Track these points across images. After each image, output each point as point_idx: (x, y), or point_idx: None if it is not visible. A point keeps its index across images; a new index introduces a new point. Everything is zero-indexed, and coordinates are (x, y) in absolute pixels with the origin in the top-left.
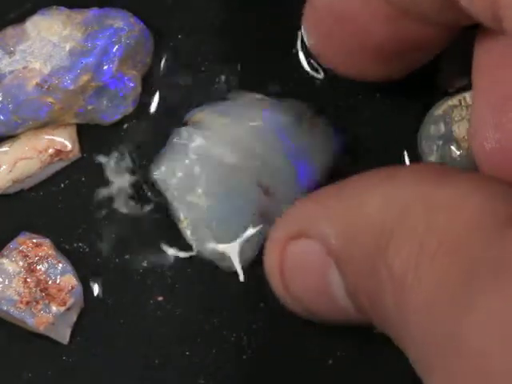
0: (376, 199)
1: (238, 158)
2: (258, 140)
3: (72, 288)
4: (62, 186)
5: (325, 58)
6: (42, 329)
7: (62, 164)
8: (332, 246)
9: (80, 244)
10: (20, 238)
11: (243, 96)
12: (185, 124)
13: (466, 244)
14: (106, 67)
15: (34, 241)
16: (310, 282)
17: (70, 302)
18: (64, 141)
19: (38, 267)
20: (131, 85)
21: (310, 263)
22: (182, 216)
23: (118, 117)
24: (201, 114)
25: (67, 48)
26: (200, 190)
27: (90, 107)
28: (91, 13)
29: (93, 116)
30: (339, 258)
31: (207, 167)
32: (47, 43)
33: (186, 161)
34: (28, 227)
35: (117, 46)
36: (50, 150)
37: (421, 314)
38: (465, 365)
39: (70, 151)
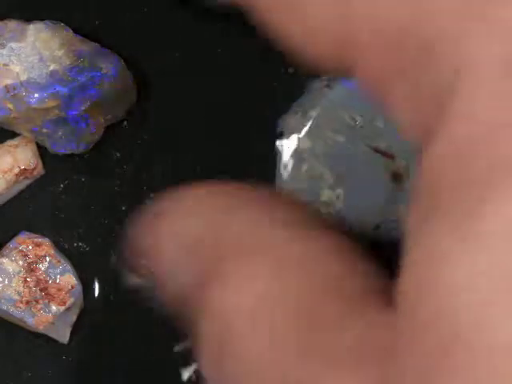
0: (242, 217)
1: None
2: None
3: (72, 288)
4: (62, 186)
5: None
6: (41, 328)
7: (27, 182)
8: (187, 237)
9: (80, 244)
10: (20, 238)
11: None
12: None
13: (318, 312)
14: (76, 103)
15: (34, 240)
16: (162, 263)
17: (70, 301)
18: (27, 159)
19: (38, 267)
20: (91, 130)
21: (164, 245)
22: None
23: (65, 151)
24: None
25: (50, 68)
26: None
27: (44, 130)
28: (90, 46)
29: (43, 139)
30: (190, 250)
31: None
32: (36, 54)
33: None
34: (28, 227)
35: (95, 90)
36: (15, 170)
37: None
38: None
39: (34, 169)
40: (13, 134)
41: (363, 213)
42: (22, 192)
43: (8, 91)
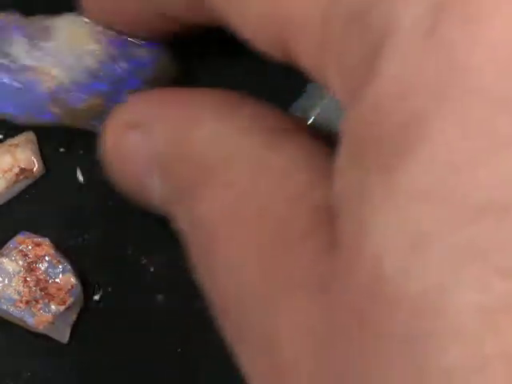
0: (205, 130)
1: None
2: None
3: (72, 287)
4: (62, 186)
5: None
6: (41, 328)
7: (27, 181)
8: (158, 150)
9: (80, 243)
10: (19, 238)
11: None
12: None
13: (283, 223)
14: (118, 96)
15: (34, 240)
16: (135, 173)
17: (70, 301)
18: (28, 158)
19: (38, 266)
20: None
21: (137, 158)
22: None
23: None
24: None
25: (87, 65)
26: None
27: (92, 123)
28: (119, 37)
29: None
30: (161, 165)
31: None
32: (70, 52)
33: None
34: (28, 227)
35: (135, 80)
36: (15, 169)
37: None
38: None
39: (35, 168)
40: (13, 134)
41: None
42: (22, 192)
43: (50, 95)
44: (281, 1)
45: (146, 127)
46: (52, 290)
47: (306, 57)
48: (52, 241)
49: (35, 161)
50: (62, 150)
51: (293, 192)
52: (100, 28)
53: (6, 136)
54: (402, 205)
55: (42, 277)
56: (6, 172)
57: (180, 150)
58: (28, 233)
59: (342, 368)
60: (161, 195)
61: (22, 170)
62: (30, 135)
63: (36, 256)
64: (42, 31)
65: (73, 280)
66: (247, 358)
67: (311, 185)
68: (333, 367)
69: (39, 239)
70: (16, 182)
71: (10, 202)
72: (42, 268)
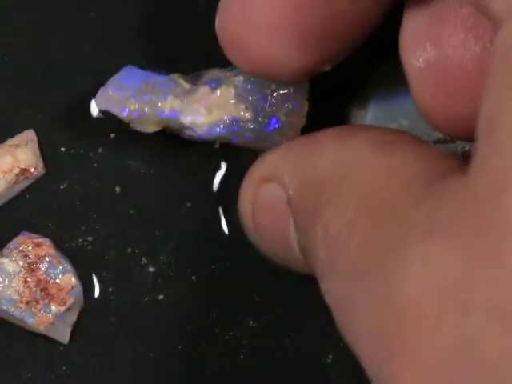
0: (325, 157)
1: None
2: None
3: (72, 288)
4: (62, 186)
5: (243, 45)
6: (42, 329)
7: (27, 182)
8: (289, 195)
9: (80, 243)
10: (20, 238)
11: None
12: None
13: (399, 199)
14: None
15: (35, 241)
16: (274, 226)
17: (70, 301)
18: (28, 158)
19: (38, 267)
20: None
21: (276, 208)
22: None
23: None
24: None
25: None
26: None
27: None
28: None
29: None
30: (293, 209)
31: None
32: (255, 92)
33: None
34: (28, 227)
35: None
36: (16, 170)
37: (349, 271)
38: (395, 320)
39: (35, 169)
40: (13, 134)
41: None
42: (22, 192)
43: (232, 125)
44: None
45: (278, 178)
46: (52, 291)
47: None
48: (52, 241)
49: (35, 161)
50: (62, 149)
51: (400, 182)
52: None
53: (6, 136)
54: None
55: (42, 277)
56: (6, 173)
57: (304, 180)
58: (28, 233)
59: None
60: (297, 240)
61: (23, 171)
62: (30, 135)
63: (36, 256)
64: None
65: (73, 280)
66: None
67: (417, 174)
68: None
69: (39, 239)
70: (16, 182)
71: (10, 203)
72: (43, 268)
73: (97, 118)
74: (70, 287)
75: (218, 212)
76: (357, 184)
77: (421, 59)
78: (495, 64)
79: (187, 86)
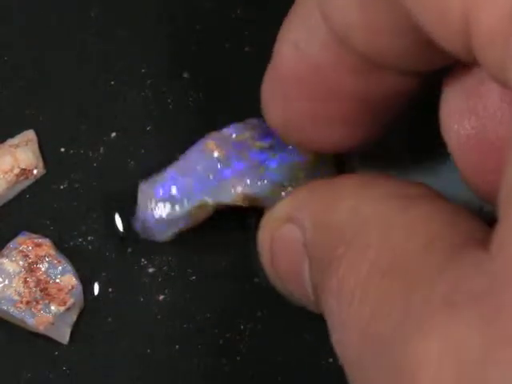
0: (343, 206)
1: None
2: None
3: (72, 288)
4: (63, 186)
5: (289, 131)
6: (41, 329)
7: (28, 182)
8: (306, 238)
9: (80, 243)
10: (20, 238)
11: None
12: None
13: (418, 264)
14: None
15: (35, 241)
16: (290, 266)
17: (70, 301)
18: (28, 158)
19: (38, 267)
20: None
21: (293, 248)
22: None
23: None
24: None
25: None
26: None
27: None
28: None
29: None
30: (309, 252)
31: None
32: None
33: None
34: (28, 227)
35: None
36: (16, 170)
37: (361, 331)
38: None
39: (35, 169)
40: (13, 134)
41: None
42: (22, 192)
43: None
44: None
45: (297, 219)
46: (52, 291)
47: (490, 48)
48: (52, 241)
49: (35, 161)
50: (62, 150)
51: (422, 240)
52: None
53: (6, 136)
54: None
55: (42, 277)
56: (6, 173)
57: (322, 225)
58: (28, 233)
59: None
60: (312, 283)
61: (23, 171)
62: (30, 135)
63: (36, 256)
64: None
65: (73, 280)
66: None
67: (438, 235)
68: None
69: (40, 240)
70: (16, 182)
71: (10, 203)
72: (43, 268)
73: (97, 118)
74: (69, 287)
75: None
76: (373, 240)
77: (461, 134)
78: None
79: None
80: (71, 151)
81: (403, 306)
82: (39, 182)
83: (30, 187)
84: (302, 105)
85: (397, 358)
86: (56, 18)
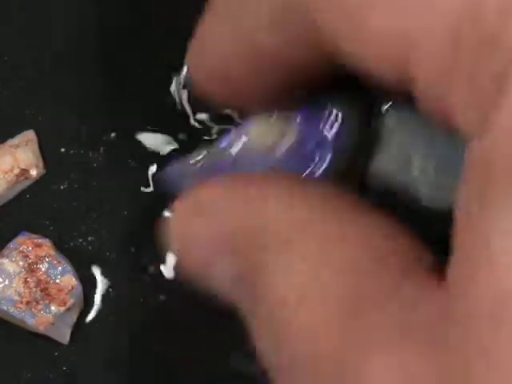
0: (278, 205)
1: None
2: None
3: (72, 288)
4: (62, 186)
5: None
6: (42, 329)
7: (27, 182)
8: (228, 233)
9: (80, 243)
10: (20, 238)
11: None
12: None
13: (363, 286)
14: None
15: (35, 241)
16: (200, 259)
17: (70, 302)
18: (28, 158)
19: (39, 267)
20: None
21: (204, 242)
22: None
23: None
24: None
25: None
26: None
27: None
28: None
29: None
30: (233, 245)
31: None
32: None
33: None
34: (28, 227)
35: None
36: (16, 170)
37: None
38: None
39: (35, 169)
40: (13, 134)
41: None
42: (22, 192)
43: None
44: (405, 17)
45: (211, 211)
46: (52, 291)
47: (428, 82)
48: (52, 241)
49: (35, 161)
50: (62, 150)
51: (374, 255)
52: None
53: (6, 136)
54: None
55: (42, 278)
56: (6, 173)
57: (252, 223)
58: (28, 233)
59: None
60: (230, 279)
61: (23, 171)
62: (30, 135)
63: (36, 257)
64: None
65: (73, 281)
66: None
67: (394, 250)
68: None
69: (40, 240)
70: (16, 182)
71: (10, 203)
72: (43, 269)
73: (97, 118)
74: (69, 288)
75: None
76: (312, 250)
77: None
78: (469, 184)
79: None
80: (71, 151)
81: (345, 330)
82: (39, 182)
83: (29, 187)
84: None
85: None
86: (56, 18)
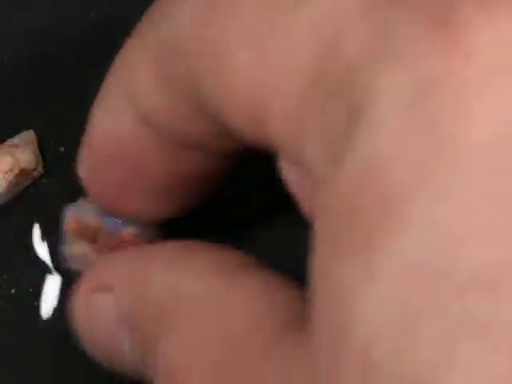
0: (160, 281)
1: None
2: None
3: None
4: (62, 187)
5: (105, 201)
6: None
7: (27, 182)
8: (121, 309)
9: None
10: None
11: None
12: None
13: (241, 350)
14: None
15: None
16: (105, 336)
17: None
18: (28, 158)
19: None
20: None
21: (107, 318)
22: None
23: None
24: None
25: None
26: None
27: None
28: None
29: None
30: (128, 321)
31: None
32: None
33: None
34: (28, 227)
35: None
36: (15, 170)
37: None
38: None
39: (35, 169)
40: (13, 134)
41: None
42: (22, 192)
43: None
44: (262, 81)
45: (110, 288)
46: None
47: (283, 134)
48: (52, 241)
49: (35, 161)
50: (61, 149)
51: (249, 320)
52: None
53: (6, 136)
54: (387, 285)
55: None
56: (6, 173)
57: (140, 301)
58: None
59: None
60: (131, 354)
61: (23, 171)
62: (30, 135)
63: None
64: None
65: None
66: None
67: (268, 311)
68: None
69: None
70: (16, 182)
71: (10, 203)
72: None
73: None
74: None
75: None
76: (194, 319)
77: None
78: (317, 229)
79: None
80: (71, 151)
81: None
82: (39, 182)
83: (29, 187)
84: (110, 177)
85: None
86: (56, 19)
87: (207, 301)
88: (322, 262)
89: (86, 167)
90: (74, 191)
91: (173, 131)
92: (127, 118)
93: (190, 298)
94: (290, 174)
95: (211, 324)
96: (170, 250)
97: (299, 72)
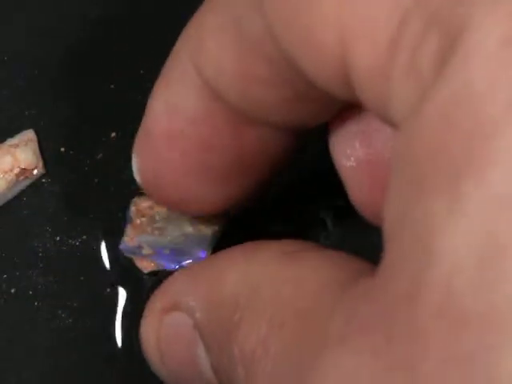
0: (232, 276)
1: None
2: None
3: None
4: (62, 186)
5: (161, 189)
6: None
7: (27, 182)
8: (196, 319)
9: (80, 244)
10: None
11: None
12: None
13: (312, 310)
14: None
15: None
16: (181, 354)
17: None
18: (28, 158)
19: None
20: None
21: (181, 336)
22: None
23: None
24: None
25: None
26: None
27: None
28: None
29: None
30: (202, 332)
31: None
32: None
33: None
34: (28, 227)
35: None
36: (16, 170)
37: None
38: None
39: (35, 168)
40: (13, 134)
41: None
42: (22, 192)
43: None
44: (350, 26)
45: (183, 305)
46: None
47: (370, 83)
48: (52, 241)
49: (35, 161)
50: (62, 149)
51: (310, 290)
52: None
53: (6, 136)
54: (474, 218)
55: None
56: (6, 173)
57: (213, 304)
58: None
59: None
60: (211, 366)
61: (23, 171)
62: (30, 135)
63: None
64: None
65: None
66: None
67: (327, 279)
68: None
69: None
70: (16, 182)
71: (10, 203)
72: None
73: (97, 118)
74: None
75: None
76: (267, 298)
77: (352, 158)
78: (394, 173)
79: None
80: (71, 151)
81: (301, 353)
82: (39, 182)
83: (29, 187)
84: (174, 160)
85: None
86: (56, 19)
87: (272, 280)
88: (402, 205)
89: (144, 153)
90: (74, 191)
91: (244, 102)
92: (195, 92)
93: (257, 283)
94: (343, 159)
95: (277, 298)
96: (241, 250)
97: (393, 7)
